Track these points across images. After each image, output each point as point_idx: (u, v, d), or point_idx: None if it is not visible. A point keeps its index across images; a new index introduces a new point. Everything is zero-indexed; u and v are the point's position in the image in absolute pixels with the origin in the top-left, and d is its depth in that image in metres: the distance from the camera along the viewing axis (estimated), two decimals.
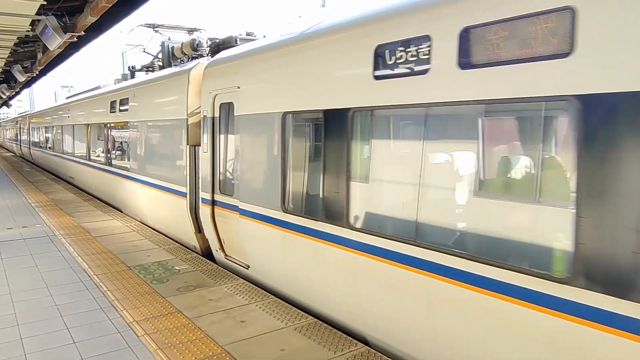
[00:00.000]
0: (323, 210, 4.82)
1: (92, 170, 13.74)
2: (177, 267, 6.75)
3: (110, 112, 11.97)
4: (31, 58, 18.24)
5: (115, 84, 13.97)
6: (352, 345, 4.37)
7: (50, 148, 20.84)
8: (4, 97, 33.13)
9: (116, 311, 5.22)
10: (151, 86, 9.68)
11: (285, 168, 5.46)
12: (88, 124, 14.29)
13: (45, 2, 9.09)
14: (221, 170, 6.94)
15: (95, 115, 13.64)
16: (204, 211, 7.23)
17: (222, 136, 6.92)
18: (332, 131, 4.69)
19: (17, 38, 12.83)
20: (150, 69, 12.21)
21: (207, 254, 7.62)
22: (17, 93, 35.84)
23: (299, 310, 5.19)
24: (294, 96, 5.29)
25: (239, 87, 6.26)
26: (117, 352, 4.30)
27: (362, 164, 4.55)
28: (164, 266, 6.82)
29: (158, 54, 11.59)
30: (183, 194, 7.90)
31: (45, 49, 14.28)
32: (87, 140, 14.36)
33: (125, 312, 5.19)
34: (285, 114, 5.40)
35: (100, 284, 6.10)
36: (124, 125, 11.05)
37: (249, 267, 6.36)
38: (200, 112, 7.49)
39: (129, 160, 10.62)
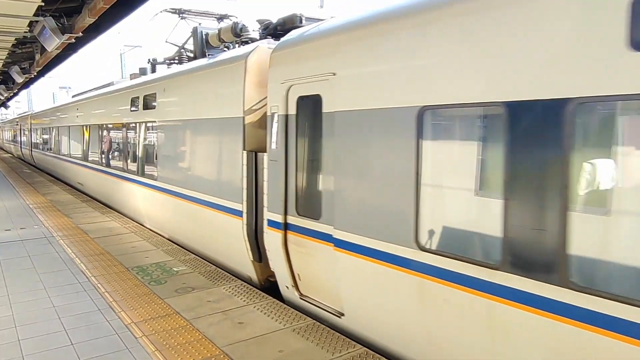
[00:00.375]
0: (507, 255, 3.20)
1: (106, 177, 12.21)
2: (175, 269, 6.74)
3: (131, 111, 10.37)
4: (29, 59, 18.25)
5: (131, 79, 12.40)
6: (350, 346, 4.37)
7: (54, 151, 19.32)
8: (2, 98, 33.11)
9: (114, 312, 5.22)
10: (189, 78, 7.94)
11: (422, 187, 3.81)
12: (101, 125, 12.83)
13: (43, 3, 9.08)
14: (299, 184, 5.28)
15: (111, 114, 12.05)
16: (272, 237, 5.64)
17: (300, 139, 5.28)
18: (527, 135, 3.12)
19: (15, 39, 12.83)
20: (176, 60, 10.34)
21: (268, 287, 6.26)
22: (15, 94, 35.85)
23: (297, 312, 5.19)
24: (444, 82, 3.66)
25: (334, 74, 4.64)
26: (115, 353, 4.30)
27: (605, 187, 2.94)
28: (162, 267, 6.82)
29: (185, 43, 9.96)
30: (237, 213, 6.30)
31: (43, 50, 14.30)
32: (99, 142, 12.91)
33: (123, 313, 5.18)
34: (424, 108, 3.77)
35: (98, 285, 6.09)
36: (149, 126, 9.51)
37: (343, 315, 4.79)
38: (263, 108, 6.11)
39: (155, 167, 9.00)
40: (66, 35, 11.28)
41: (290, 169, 5.37)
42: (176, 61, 10.24)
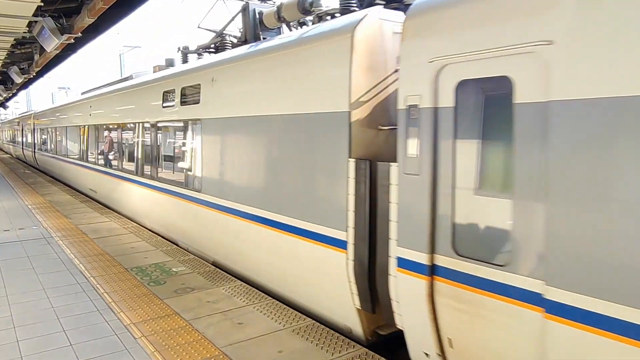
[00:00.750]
0: None
1: (125, 184, 10.70)
2: (174, 269, 6.73)
3: (163, 107, 8.66)
4: (28, 59, 18.27)
5: (155, 71, 10.68)
6: (349, 347, 4.37)
7: (61, 153, 17.71)
8: (0, 98, 33.12)
9: (113, 313, 5.21)
10: (256, 63, 6.16)
11: None
12: (120, 124, 11.24)
13: (42, 4, 9.09)
14: (461, 210, 3.66)
15: (133, 112, 10.46)
16: (405, 283, 4.02)
17: (464, 144, 3.63)
18: None
19: (14, 39, 12.84)
20: (212, 48, 8.69)
21: (376, 343, 4.79)
22: (14, 95, 35.88)
23: (297, 312, 5.18)
24: None
25: (548, 42, 3.02)
26: (114, 354, 4.29)
27: None
28: (161, 268, 6.81)
29: (227, 25, 8.29)
30: (337, 243, 4.70)
31: (42, 50, 14.31)
32: (118, 144, 11.46)
33: (122, 314, 5.17)
34: None
35: (97, 286, 6.08)
36: (189, 125, 7.86)
37: None
38: (374, 100, 4.64)
39: (197, 175, 7.43)
40: (65, 36, 11.29)
41: (442, 186, 3.73)
42: (212, 49, 8.71)
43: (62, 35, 11.06)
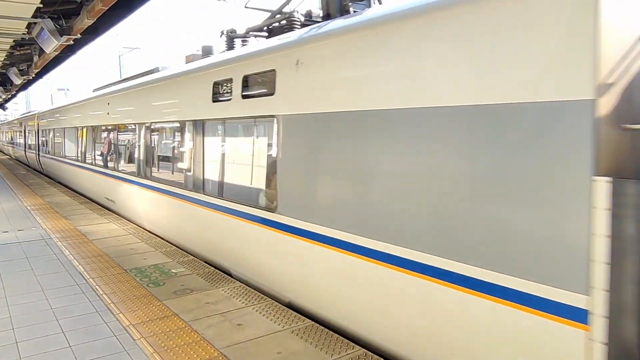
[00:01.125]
0: None
1: (167, 199, 8.46)
2: (173, 270, 6.73)
3: (214, 102, 6.88)
4: (27, 61, 18.31)
5: (187, 62, 9.05)
6: (349, 348, 4.37)
7: (72, 157, 15.75)
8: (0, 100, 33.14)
9: (112, 314, 5.20)
10: (395, 30, 4.11)
11: None
12: (151, 124, 9.37)
13: (41, 5, 9.11)
14: None
15: (170, 108, 8.57)
16: None
17: None
18: None
19: (13, 41, 12.87)
20: (267, 30, 7.19)
21: None
22: (13, 96, 35.90)
23: (296, 313, 5.17)
24: None
25: None
26: (113, 355, 4.28)
27: None
28: (160, 269, 6.80)
29: (288, 2, 6.82)
30: (564, 312, 2.95)
31: (41, 51, 14.34)
32: (149, 147, 9.50)
33: (121, 315, 5.17)
34: None
35: (96, 287, 6.08)
36: (257, 123, 6.16)
37: None
38: (622, 82, 2.93)
39: (275, 189, 5.55)
40: (64, 37, 11.30)
41: None
42: (264, 32, 7.29)
43: (61, 36, 11.07)
